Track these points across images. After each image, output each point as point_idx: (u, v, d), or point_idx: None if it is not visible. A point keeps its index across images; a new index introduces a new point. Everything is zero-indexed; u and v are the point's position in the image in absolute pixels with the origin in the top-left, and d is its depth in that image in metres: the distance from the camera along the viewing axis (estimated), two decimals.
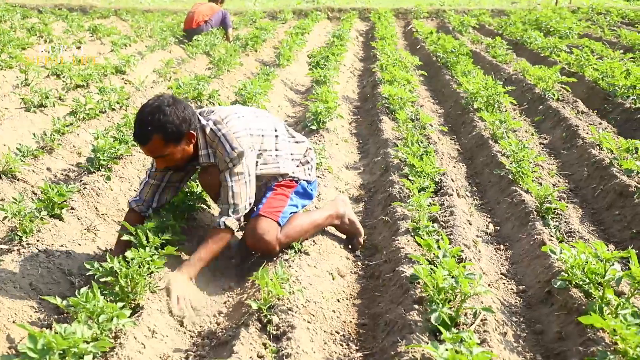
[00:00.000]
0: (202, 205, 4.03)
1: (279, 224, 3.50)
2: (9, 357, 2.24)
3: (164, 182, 3.55)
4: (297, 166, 3.73)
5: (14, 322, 2.79)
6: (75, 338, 2.27)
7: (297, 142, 3.79)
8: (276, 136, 3.63)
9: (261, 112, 3.78)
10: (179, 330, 3.01)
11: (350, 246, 3.94)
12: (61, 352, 2.24)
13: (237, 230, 3.46)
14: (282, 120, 6.39)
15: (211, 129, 3.35)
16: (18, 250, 3.28)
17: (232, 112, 3.47)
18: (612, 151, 5.09)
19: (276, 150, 3.62)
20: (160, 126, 3.14)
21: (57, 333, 2.25)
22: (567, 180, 5.07)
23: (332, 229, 4.01)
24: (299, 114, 7.24)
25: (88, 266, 2.96)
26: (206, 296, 3.32)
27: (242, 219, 3.44)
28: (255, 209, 3.53)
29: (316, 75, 7.70)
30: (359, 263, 3.85)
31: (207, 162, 3.40)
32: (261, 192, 3.60)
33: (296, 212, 3.67)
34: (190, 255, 3.33)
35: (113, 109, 6.07)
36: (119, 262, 2.93)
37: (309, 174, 3.79)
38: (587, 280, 2.97)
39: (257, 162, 3.50)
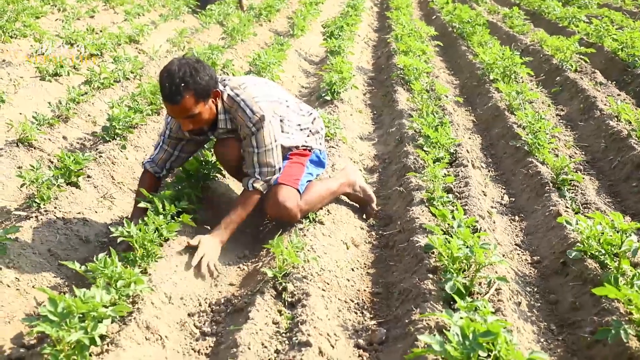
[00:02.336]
0: (216, 175, 4.04)
1: (299, 192, 3.50)
2: (30, 319, 2.28)
3: (176, 151, 3.53)
4: (308, 136, 3.72)
5: (33, 286, 2.83)
6: (94, 302, 2.31)
7: (304, 115, 3.74)
8: (287, 106, 3.61)
9: (272, 83, 3.78)
10: (194, 297, 3.04)
11: (364, 215, 3.96)
12: (81, 315, 2.28)
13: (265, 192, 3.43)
14: (297, 89, 6.34)
15: (229, 94, 3.32)
16: (36, 217, 3.32)
17: (246, 79, 3.47)
18: (630, 122, 5.02)
19: (288, 120, 3.60)
20: (192, 82, 3.10)
21: (76, 297, 2.29)
22: (583, 152, 5.03)
23: (344, 202, 4.02)
24: (313, 85, 7.20)
25: (112, 229, 2.99)
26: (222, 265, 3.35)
27: (272, 182, 3.41)
28: None
29: (330, 45, 7.64)
30: (373, 233, 3.86)
31: (225, 129, 3.37)
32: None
33: (312, 180, 3.67)
34: (222, 220, 3.34)
35: (127, 79, 6.07)
36: (137, 228, 2.95)
37: (320, 143, 3.77)
38: (603, 251, 2.96)
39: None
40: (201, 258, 3.15)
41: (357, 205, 4.02)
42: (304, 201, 3.50)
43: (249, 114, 3.27)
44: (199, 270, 3.12)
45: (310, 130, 3.73)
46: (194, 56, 3.24)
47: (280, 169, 3.43)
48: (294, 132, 3.63)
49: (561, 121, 5.77)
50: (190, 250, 3.18)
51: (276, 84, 3.80)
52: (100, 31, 7.96)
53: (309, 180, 3.63)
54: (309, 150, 3.70)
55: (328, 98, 5.91)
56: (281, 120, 3.53)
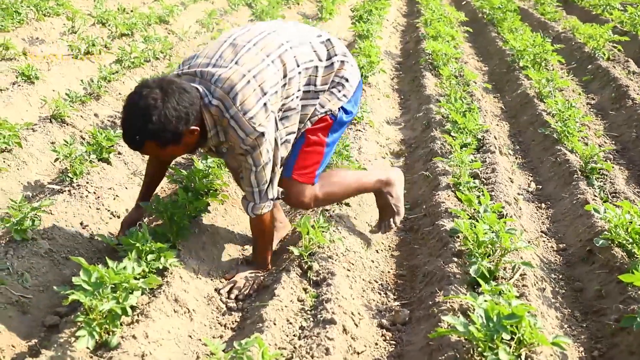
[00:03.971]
0: None
1: (315, 182, 3.07)
2: (64, 287, 2.35)
3: None
4: (323, 97, 3.01)
5: (66, 257, 2.91)
6: (126, 274, 2.37)
7: (327, 65, 3.00)
8: (299, 73, 2.89)
9: (274, 43, 2.86)
10: (222, 273, 3.09)
11: (381, 227, 3.40)
12: (113, 286, 2.34)
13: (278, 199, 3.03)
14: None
15: (217, 107, 2.67)
16: (69, 191, 3.40)
17: (239, 77, 2.68)
18: None
19: (298, 90, 2.92)
20: (152, 134, 2.56)
21: (109, 268, 2.35)
22: (613, 141, 4.97)
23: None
24: None
25: (142, 205, 3.05)
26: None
27: (274, 194, 2.91)
28: (285, 163, 3.02)
29: (359, 29, 7.61)
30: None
31: (218, 142, 2.82)
32: (291, 142, 3.03)
33: (333, 148, 3.16)
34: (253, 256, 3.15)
35: (157, 58, 6.13)
36: (167, 203, 3.01)
37: (344, 95, 3.05)
38: (631, 240, 2.94)
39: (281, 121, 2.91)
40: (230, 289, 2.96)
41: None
42: (323, 192, 3.09)
43: (242, 135, 2.67)
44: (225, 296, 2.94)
45: (326, 89, 3.02)
46: (161, 83, 2.58)
47: (277, 176, 2.92)
48: (304, 102, 2.96)
49: (591, 110, 5.71)
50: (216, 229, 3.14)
51: (282, 45, 2.87)
52: (131, 11, 8.02)
53: (330, 150, 3.12)
54: (330, 117, 3.03)
55: None
56: (287, 97, 2.86)
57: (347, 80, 3.06)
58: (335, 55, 3.03)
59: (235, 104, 2.65)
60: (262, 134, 2.69)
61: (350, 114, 3.13)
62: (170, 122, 2.54)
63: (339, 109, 3.04)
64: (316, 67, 2.96)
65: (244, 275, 3.01)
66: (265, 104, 2.70)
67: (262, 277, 3.03)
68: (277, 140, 2.83)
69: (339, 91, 3.04)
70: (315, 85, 2.97)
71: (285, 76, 2.83)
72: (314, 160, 3.04)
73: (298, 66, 2.88)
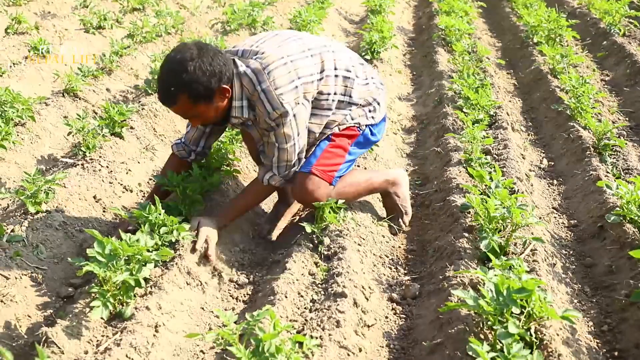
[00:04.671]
0: None
1: (334, 183, 3.06)
2: (79, 259, 2.39)
3: (207, 128, 3.13)
4: (354, 110, 3.09)
5: (80, 230, 2.95)
6: (139, 246, 2.40)
7: (363, 84, 3.10)
8: (335, 76, 2.98)
9: (318, 44, 3.01)
10: (232, 249, 3.12)
11: (391, 229, 3.38)
12: (126, 258, 2.37)
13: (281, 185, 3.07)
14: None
15: (250, 79, 2.77)
16: (82, 164, 3.42)
17: (277, 57, 2.81)
18: None
19: (334, 93, 3.00)
20: (185, 85, 2.65)
21: (123, 240, 2.38)
22: (627, 118, 4.92)
23: (381, 157, 4.03)
24: (352, 44, 7.14)
25: (156, 179, 3.07)
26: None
27: (289, 176, 3.00)
28: (305, 159, 3.04)
29: (371, 4, 7.54)
30: (410, 192, 3.87)
31: (240, 117, 2.87)
32: (315, 139, 3.07)
33: (352, 164, 3.20)
34: (228, 203, 3.09)
35: (169, 33, 6.11)
36: (180, 178, 3.03)
37: (372, 117, 3.15)
38: None
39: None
40: (205, 242, 2.84)
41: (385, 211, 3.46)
42: (336, 192, 3.07)
43: (269, 109, 2.77)
44: (206, 258, 2.84)
45: (359, 104, 3.10)
46: (197, 44, 2.74)
47: (301, 159, 2.99)
48: (336, 105, 3.03)
49: (606, 86, 5.64)
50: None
51: (325, 46, 3.03)
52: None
53: (350, 163, 3.16)
54: (358, 129, 3.11)
55: (368, 57, 5.87)
56: (320, 93, 2.94)
57: (379, 104, 3.18)
58: (373, 78, 3.17)
59: (268, 79, 2.76)
60: (287, 112, 2.78)
61: (375, 136, 3.21)
62: (204, 74, 2.66)
63: (366, 125, 3.13)
64: (353, 79, 3.05)
65: (208, 229, 2.87)
66: (297, 87, 2.81)
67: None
68: (304, 124, 2.90)
69: (370, 111, 3.14)
70: (350, 96, 3.06)
71: (322, 71, 2.93)
72: (336, 162, 3.06)
73: (335, 69, 2.99)
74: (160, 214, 2.71)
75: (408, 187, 3.43)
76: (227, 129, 3.39)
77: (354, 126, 3.10)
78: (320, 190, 2.99)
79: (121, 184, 3.45)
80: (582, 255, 3.13)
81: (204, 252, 2.83)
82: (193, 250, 2.78)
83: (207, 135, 3.14)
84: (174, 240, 2.72)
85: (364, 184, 3.22)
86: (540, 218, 3.37)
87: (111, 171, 3.47)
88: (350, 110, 3.07)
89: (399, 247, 3.29)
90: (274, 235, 3.35)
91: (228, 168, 3.49)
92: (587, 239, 3.24)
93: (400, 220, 3.38)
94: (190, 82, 2.65)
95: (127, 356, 2.13)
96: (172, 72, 2.67)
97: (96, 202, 3.22)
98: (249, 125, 2.96)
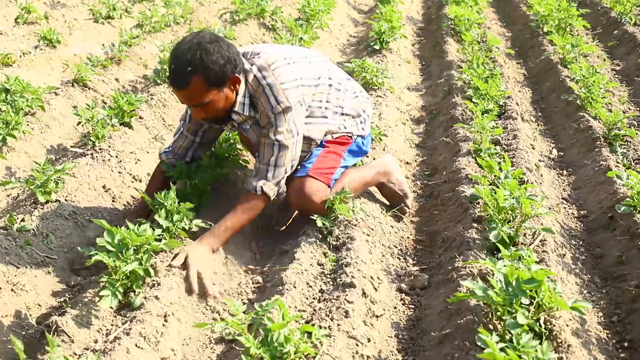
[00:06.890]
0: None
1: (330, 187, 3.05)
2: (88, 248, 2.40)
3: (197, 137, 3.10)
4: (349, 119, 3.18)
5: (89, 220, 2.96)
6: (147, 235, 2.41)
7: (353, 97, 3.20)
8: (329, 85, 3.08)
9: (314, 54, 3.21)
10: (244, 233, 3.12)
11: (396, 215, 3.40)
12: (135, 247, 2.39)
13: (275, 198, 2.96)
14: (345, 38, 6.22)
15: (255, 75, 2.82)
16: (91, 154, 3.44)
17: (280, 57, 2.91)
18: None
19: (327, 102, 3.08)
20: (201, 66, 2.64)
21: (131, 230, 2.39)
22: (638, 108, 4.88)
23: (389, 149, 4.02)
24: (361, 34, 7.11)
25: (164, 168, 3.08)
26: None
27: (282, 184, 2.95)
28: (300, 166, 3.05)
29: None
30: (418, 182, 3.87)
31: (242, 115, 2.88)
32: (310, 147, 3.10)
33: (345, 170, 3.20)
34: (217, 223, 2.81)
35: (177, 23, 6.11)
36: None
37: (362, 128, 3.23)
38: None
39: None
40: (199, 277, 2.61)
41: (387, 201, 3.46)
42: (333, 194, 3.02)
43: (273, 102, 2.79)
44: (197, 292, 2.59)
45: (351, 115, 3.19)
46: (212, 32, 2.81)
47: (293, 166, 2.95)
48: (332, 114, 3.11)
49: (616, 76, 5.59)
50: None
51: (320, 57, 3.23)
52: None
53: (343, 169, 3.17)
54: (349, 137, 3.18)
55: (377, 47, 5.84)
56: (320, 102, 3.04)
57: (368, 116, 3.30)
58: (361, 92, 3.30)
59: (273, 74, 2.83)
60: (290, 107, 2.82)
61: (365, 146, 3.31)
62: (221, 58, 2.69)
63: (358, 136, 3.22)
64: (344, 92, 3.15)
65: (198, 259, 2.66)
66: (299, 86, 2.89)
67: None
68: (302, 126, 2.94)
69: (361, 123, 3.24)
70: (342, 107, 3.15)
71: (318, 78, 3.04)
72: (332, 165, 3.09)
73: (330, 79, 3.10)
74: (175, 202, 2.72)
75: (399, 170, 3.45)
76: (217, 138, 3.34)
77: (346, 135, 3.17)
78: (319, 193, 2.98)
79: (130, 174, 3.46)
80: (591, 245, 3.12)
81: (201, 293, 2.60)
82: (190, 292, 2.56)
83: (194, 150, 3.12)
84: (186, 227, 2.72)
85: (359, 181, 3.20)
86: (549, 208, 3.35)
87: (120, 161, 3.48)
88: (343, 120, 3.16)
89: (408, 237, 3.29)
90: (283, 225, 3.35)
91: (236, 157, 3.49)
92: (597, 229, 3.22)
93: (402, 205, 3.40)
94: (208, 63, 2.65)
95: (136, 345, 2.15)
96: (190, 52, 2.66)
97: (105, 191, 3.23)
98: (247, 129, 2.96)
